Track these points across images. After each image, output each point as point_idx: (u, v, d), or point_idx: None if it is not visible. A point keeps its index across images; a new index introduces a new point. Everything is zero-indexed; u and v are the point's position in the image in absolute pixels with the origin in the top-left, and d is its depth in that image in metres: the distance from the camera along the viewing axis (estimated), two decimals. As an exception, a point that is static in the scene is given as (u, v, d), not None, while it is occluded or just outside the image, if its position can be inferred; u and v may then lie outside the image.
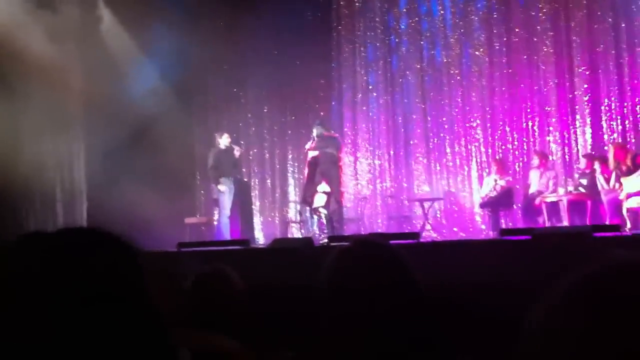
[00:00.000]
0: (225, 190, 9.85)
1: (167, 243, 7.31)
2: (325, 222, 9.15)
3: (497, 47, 10.74)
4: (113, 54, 10.17)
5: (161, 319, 1.02)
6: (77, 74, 9.69)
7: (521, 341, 0.85)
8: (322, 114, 11.47)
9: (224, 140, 10.03)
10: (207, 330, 2.47)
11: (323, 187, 9.15)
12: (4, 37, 8.58)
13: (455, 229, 10.47)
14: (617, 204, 8.25)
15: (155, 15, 10.06)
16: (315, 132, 9.52)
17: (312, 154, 9.33)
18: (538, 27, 10.38)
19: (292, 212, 11.77)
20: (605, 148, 9.36)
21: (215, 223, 10.61)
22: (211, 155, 10.03)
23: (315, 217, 9.39)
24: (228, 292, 2.71)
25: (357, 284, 1.72)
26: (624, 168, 8.31)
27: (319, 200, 9.12)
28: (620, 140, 9.42)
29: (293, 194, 11.93)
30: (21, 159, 8.80)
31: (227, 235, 9.73)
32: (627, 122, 9.63)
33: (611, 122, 9.72)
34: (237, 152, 10.10)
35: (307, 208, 9.51)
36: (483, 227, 10.22)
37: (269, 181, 12.16)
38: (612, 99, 9.75)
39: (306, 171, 9.59)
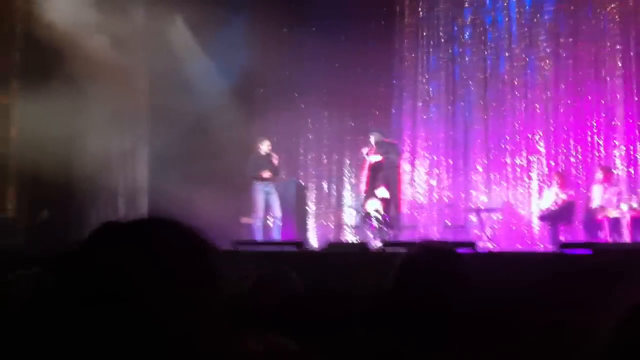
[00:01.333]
0: (258, 194, 9.91)
1: (223, 241, 7.39)
2: (376, 227, 9.07)
3: (563, 59, 10.54)
4: (179, 57, 10.40)
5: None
6: (143, 76, 9.95)
7: (588, 355, 0.84)
8: (382, 121, 11.45)
9: (264, 147, 10.10)
10: (265, 330, 2.47)
11: (382, 192, 9.10)
12: (74, 37, 8.86)
13: (516, 244, 10.27)
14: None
15: (220, 21, 10.25)
16: (373, 139, 9.50)
17: (374, 158, 9.27)
18: (606, 40, 10.14)
19: (347, 217, 11.78)
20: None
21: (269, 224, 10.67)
22: (250, 159, 10.10)
23: (367, 221, 9.32)
24: (290, 293, 2.70)
25: (424, 289, 1.71)
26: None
27: (373, 204, 9.08)
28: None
29: (349, 198, 11.95)
30: (87, 156, 9.07)
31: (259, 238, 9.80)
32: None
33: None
34: (275, 160, 10.11)
35: (360, 213, 9.46)
36: (540, 241, 10.01)
37: (325, 185, 12.21)
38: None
39: (364, 176, 9.52)
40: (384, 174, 9.12)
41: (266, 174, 9.87)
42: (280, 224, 10.05)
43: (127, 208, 9.89)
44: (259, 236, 9.87)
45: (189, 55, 10.61)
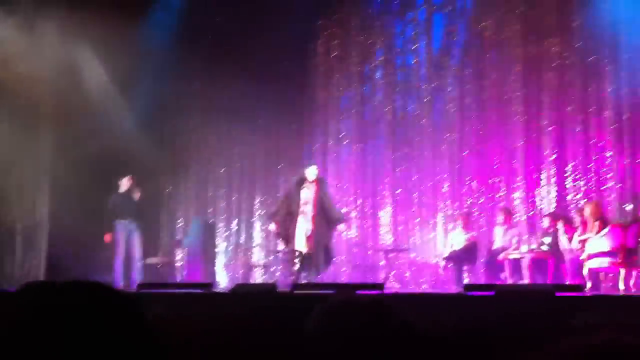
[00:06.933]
0: (119, 233, 9.59)
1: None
2: (301, 266, 8.69)
3: (468, 103, 10.88)
4: (87, 85, 10.07)
5: None
6: (47, 107, 9.61)
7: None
8: (293, 158, 11.45)
9: (123, 184, 9.82)
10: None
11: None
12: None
13: (422, 284, 10.40)
14: (578, 264, 8.33)
15: (133, 52, 9.89)
16: (310, 172, 8.90)
17: (310, 193, 8.69)
18: (510, 86, 10.51)
19: (256, 256, 11.66)
20: (571, 207, 9.53)
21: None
22: (110, 199, 9.78)
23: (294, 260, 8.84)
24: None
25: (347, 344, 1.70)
26: (591, 227, 8.32)
27: (301, 242, 8.67)
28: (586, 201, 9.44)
29: (258, 238, 11.83)
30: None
31: (119, 280, 9.31)
32: (590, 184, 9.75)
33: (574, 183, 9.84)
34: (136, 196, 9.89)
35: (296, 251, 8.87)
36: (445, 283, 10.19)
37: (235, 223, 12.05)
38: (579, 159, 9.87)
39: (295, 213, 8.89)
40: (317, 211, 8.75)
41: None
42: (140, 265, 9.68)
43: (24, 244, 9.46)
44: (118, 276, 9.39)
45: (99, 87, 10.27)
